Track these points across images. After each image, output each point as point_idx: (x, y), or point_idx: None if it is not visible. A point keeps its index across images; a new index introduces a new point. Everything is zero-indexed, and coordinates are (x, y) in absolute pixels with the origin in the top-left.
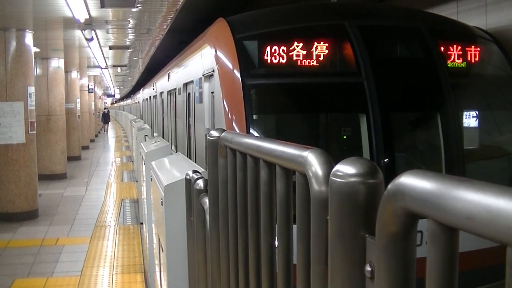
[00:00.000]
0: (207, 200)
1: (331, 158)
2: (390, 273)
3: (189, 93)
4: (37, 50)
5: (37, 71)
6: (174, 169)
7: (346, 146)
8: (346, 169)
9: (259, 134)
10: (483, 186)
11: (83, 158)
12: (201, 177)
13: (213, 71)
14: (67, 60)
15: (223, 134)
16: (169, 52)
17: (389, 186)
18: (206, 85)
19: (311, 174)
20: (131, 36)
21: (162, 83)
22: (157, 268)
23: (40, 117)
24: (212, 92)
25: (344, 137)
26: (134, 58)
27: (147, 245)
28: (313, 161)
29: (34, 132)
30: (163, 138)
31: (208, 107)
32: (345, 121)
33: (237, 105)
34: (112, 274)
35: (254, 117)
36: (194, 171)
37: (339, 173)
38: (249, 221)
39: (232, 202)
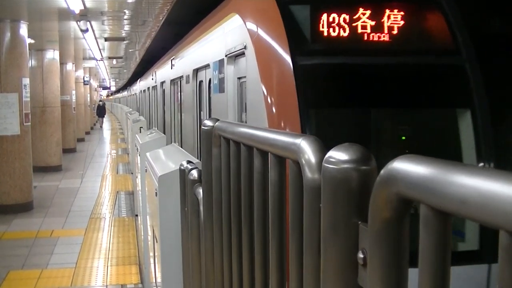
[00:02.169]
0: (201, 191)
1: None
2: (382, 259)
3: (200, 81)
4: (32, 41)
5: (32, 62)
6: (168, 160)
7: (442, 152)
8: (338, 155)
9: (318, 134)
10: (476, 170)
11: (78, 150)
12: (195, 168)
13: (243, 48)
14: (62, 51)
15: (217, 123)
16: (165, 44)
17: (382, 171)
18: (230, 69)
19: (304, 162)
20: (126, 28)
21: (164, 72)
22: (151, 260)
23: (35, 108)
24: (242, 78)
25: (440, 138)
26: (130, 50)
27: (142, 237)
28: (306, 148)
29: (29, 123)
30: (165, 134)
31: (234, 98)
32: (438, 119)
33: (287, 95)
34: (107, 266)
35: (311, 111)
36: (188, 162)
37: (331, 160)
38: (242, 210)
39: (226, 192)
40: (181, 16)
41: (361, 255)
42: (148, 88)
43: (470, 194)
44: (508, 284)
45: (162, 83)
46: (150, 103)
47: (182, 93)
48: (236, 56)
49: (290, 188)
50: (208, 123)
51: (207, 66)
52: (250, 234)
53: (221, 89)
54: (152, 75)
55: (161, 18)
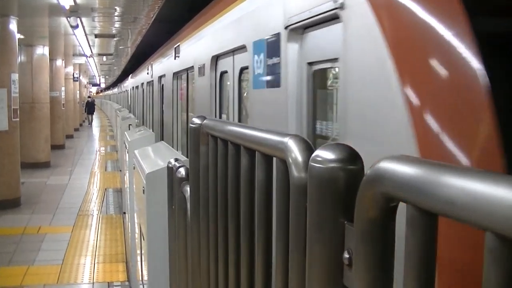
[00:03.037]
0: (188, 189)
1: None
2: (368, 260)
3: (223, 72)
4: (22, 37)
5: (22, 58)
6: (156, 157)
7: None
8: (325, 154)
9: None
10: (463, 171)
11: (67, 147)
12: (183, 165)
13: (336, 8)
14: (52, 47)
15: (205, 121)
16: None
17: (369, 171)
18: (293, 50)
19: (291, 161)
20: (117, 25)
21: (163, 64)
22: (138, 258)
23: (24, 104)
24: (317, 63)
25: None
26: (120, 47)
27: (129, 234)
28: (293, 147)
29: (18, 119)
30: (163, 140)
31: (306, 98)
32: None
33: (469, 90)
34: (94, 263)
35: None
36: (176, 159)
37: (318, 159)
38: (229, 208)
39: (213, 190)
40: (173, 14)
41: (346, 255)
42: (142, 84)
43: (457, 195)
44: (493, 285)
45: (161, 77)
46: (144, 101)
47: (191, 89)
48: (308, 27)
49: (276, 187)
50: (196, 120)
51: (239, 49)
52: (236, 232)
53: (272, 82)
54: (148, 69)
55: (152, 16)
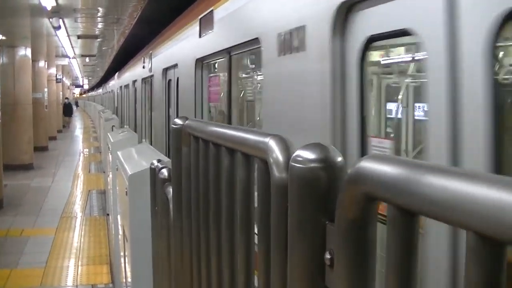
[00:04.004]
0: (171, 190)
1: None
2: (349, 260)
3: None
4: (3, 38)
5: (3, 59)
6: (139, 158)
7: None
8: (306, 154)
9: None
10: (444, 170)
11: (50, 148)
12: (165, 166)
13: None
14: (35, 48)
15: (187, 121)
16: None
17: (350, 170)
18: None
19: (272, 161)
20: (100, 26)
21: (178, 50)
22: (122, 259)
23: (6, 106)
24: None
25: None
26: (104, 48)
27: (113, 236)
28: (274, 147)
29: None
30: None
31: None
32: None
33: None
34: (78, 266)
35: None
36: (159, 160)
37: (299, 159)
38: (211, 209)
39: (195, 191)
40: (156, 14)
41: (328, 256)
42: (135, 81)
43: (437, 194)
44: (474, 284)
45: (166, 69)
46: (137, 102)
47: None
48: None
49: (258, 187)
50: (178, 121)
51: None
52: (218, 233)
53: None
54: (144, 62)
55: (135, 16)
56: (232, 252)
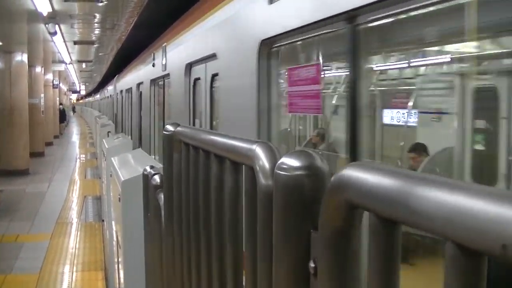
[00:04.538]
0: (163, 196)
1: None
2: (332, 268)
3: None
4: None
5: (0, 64)
6: (133, 165)
7: None
8: (290, 161)
9: None
10: (425, 180)
11: (47, 154)
12: (158, 173)
13: None
14: (31, 54)
15: (178, 128)
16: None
17: (333, 178)
18: None
19: (258, 168)
20: (97, 31)
21: (198, 41)
22: (116, 266)
23: (3, 111)
24: None
25: None
26: (100, 54)
27: (108, 242)
28: (260, 154)
29: None
30: None
31: None
32: None
33: None
34: (73, 272)
35: None
36: (152, 167)
37: (283, 166)
38: (201, 216)
39: (186, 197)
40: (153, 19)
41: (312, 264)
42: (139, 84)
43: (418, 203)
44: None
45: (190, 65)
46: (143, 109)
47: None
48: None
49: (245, 194)
50: (169, 128)
51: None
52: (207, 241)
53: None
54: (154, 59)
55: (131, 22)
56: (221, 258)
